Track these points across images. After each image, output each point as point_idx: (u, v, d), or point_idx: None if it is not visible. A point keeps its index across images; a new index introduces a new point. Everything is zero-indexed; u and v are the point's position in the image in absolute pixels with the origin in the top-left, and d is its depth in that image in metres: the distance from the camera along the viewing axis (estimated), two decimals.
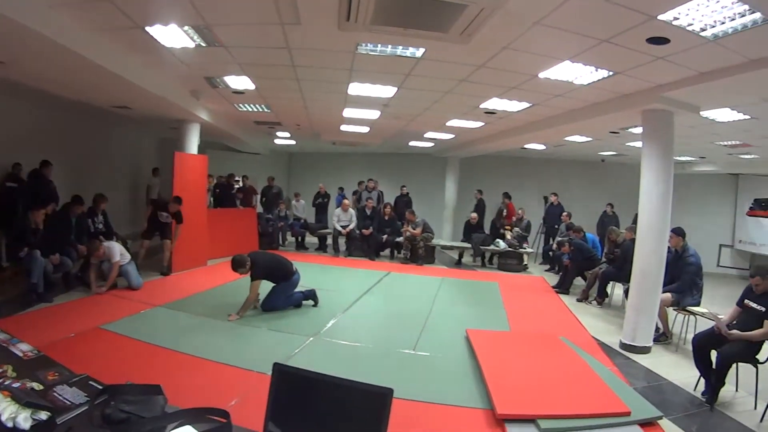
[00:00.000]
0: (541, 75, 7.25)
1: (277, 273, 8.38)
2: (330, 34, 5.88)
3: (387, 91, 8.85)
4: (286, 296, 8.46)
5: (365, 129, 13.47)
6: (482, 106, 9.73)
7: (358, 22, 5.30)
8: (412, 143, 16.78)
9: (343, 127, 13.25)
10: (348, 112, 11.01)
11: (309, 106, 10.57)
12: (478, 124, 11.90)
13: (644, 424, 5.14)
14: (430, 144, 16.86)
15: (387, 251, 15.11)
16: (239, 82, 8.64)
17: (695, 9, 4.57)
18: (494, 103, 9.45)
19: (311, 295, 8.80)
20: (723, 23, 4.82)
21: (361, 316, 8.47)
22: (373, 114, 11.09)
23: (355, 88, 8.71)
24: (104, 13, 5.64)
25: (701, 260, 8.60)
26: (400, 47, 6.49)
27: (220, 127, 12.83)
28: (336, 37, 5.96)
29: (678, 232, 8.36)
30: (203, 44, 6.61)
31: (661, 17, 4.81)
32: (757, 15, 4.53)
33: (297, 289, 8.68)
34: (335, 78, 8.14)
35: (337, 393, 2.25)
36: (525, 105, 9.41)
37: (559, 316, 9.78)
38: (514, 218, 15.71)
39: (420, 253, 14.26)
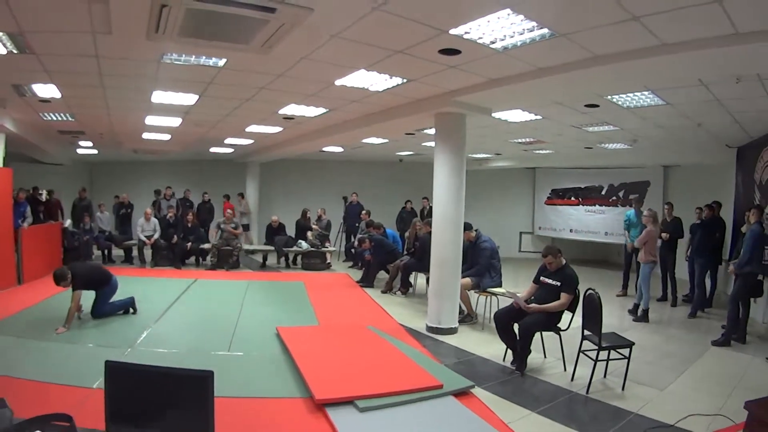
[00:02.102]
0: (338, 83, 7.61)
1: (96, 280, 8.28)
2: (138, 44, 5.86)
3: (189, 99, 8.86)
4: (110, 302, 8.43)
5: (167, 136, 13.25)
6: (281, 112, 9.99)
7: (166, 33, 5.35)
8: (213, 149, 16.70)
9: (145, 135, 12.95)
10: (150, 120, 10.85)
11: (112, 114, 10.31)
12: (277, 129, 12.16)
13: (458, 394, 5.72)
14: (230, 150, 16.88)
15: (192, 259, 14.91)
16: (46, 90, 8.31)
17: (485, 24, 5.08)
18: (292, 109, 9.75)
19: (130, 302, 8.79)
20: (512, 37, 5.40)
21: (174, 323, 8.44)
22: (175, 121, 11.01)
23: (158, 96, 8.64)
24: None
25: (496, 245, 9.54)
26: (203, 57, 6.58)
27: (25, 137, 12.03)
28: (143, 46, 5.93)
29: (466, 227, 9.11)
30: (15, 51, 6.31)
31: (452, 32, 5.31)
32: (545, 30, 5.16)
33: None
34: (139, 86, 8.06)
35: (163, 381, 2.51)
36: (322, 110, 9.77)
37: (366, 308, 10.33)
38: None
39: (232, 259, 14.34)
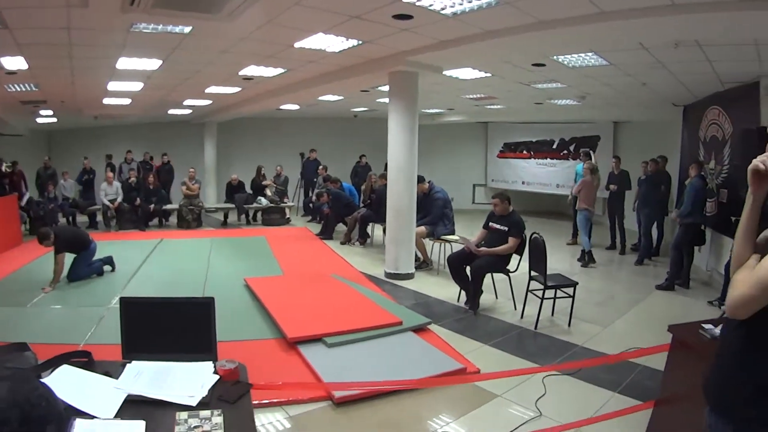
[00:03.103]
0: (297, 45, 7.83)
1: (77, 244, 8.51)
2: (111, 16, 5.97)
3: (153, 64, 8.95)
4: (87, 265, 8.66)
5: (127, 101, 13.27)
6: (241, 73, 10.15)
7: (141, 6, 5.53)
8: (171, 111, 16.66)
9: (106, 101, 12.94)
10: (112, 86, 10.90)
11: (76, 82, 10.30)
12: (236, 89, 12.30)
13: (416, 330, 6.33)
14: (188, 111, 16.89)
15: (156, 220, 15.11)
16: (14, 62, 8.29)
17: None
18: (252, 71, 9.92)
19: (109, 260, 9.10)
20: (461, 4, 5.77)
21: (147, 281, 8.72)
22: (137, 86, 11.06)
23: (123, 63, 8.72)
24: None
25: (450, 196, 10.15)
26: (171, 26, 6.69)
27: None
28: (115, 17, 6.05)
29: (420, 180, 9.64)
30: None
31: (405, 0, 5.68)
32: None
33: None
34: (106, 54, 8.13)
35: (172, 310, 2.92)
36: (281, 71, 9.95)
37: (327, 259, 10.82)
38: None
39: (189, 218, 14.58)
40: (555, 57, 8.30)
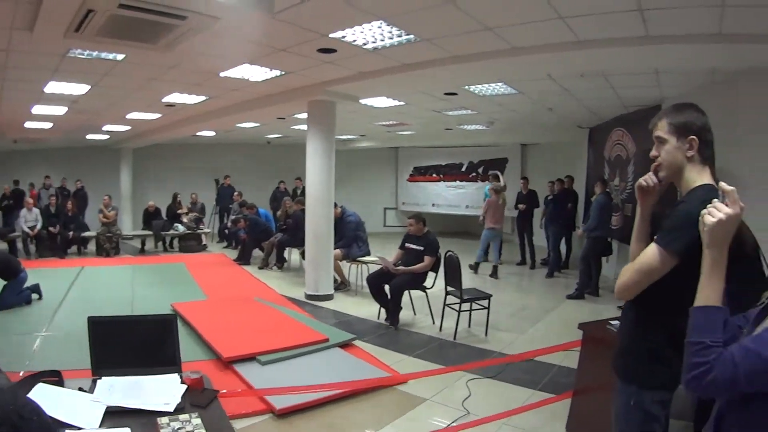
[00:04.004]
0: (222, 74, 8.12)
1: (10, 270, 8.42)
2: (53, 40, 6.01)
3: (81, 89, 8.95)
4: (17, 293, 8.53)
5: (49, 125, 13.07)
6: (164, 100, 10.28)
7: (85, 33, 5.63)
8: (89, 136, 16.41)
9: (28, 124, 12.76)
10: (37, 109, 10.79)
11: (3, 105, 10.22)
12: (156, 115, 12.35)
13: (342, 346, 6.69)
14: (106, 137, 16.67)
15: (74, 248, 14.74)
16: None
17: (360, 31, 5.92)
18: (175, 97, 10.07)
19: (36, 288, 8.95)
20: (383, 41, 6.23)
21: (76, 308, 8.53)
22: (61, 110, 10.96)
23: (52, 87, 8.70)
24: None
25: (363, 219, 10.59)
26: (105, 52, 6.81)
27: None
28: (56, 42, 6.10)
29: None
30: None
31: (331, 35, 6.09)
32: (411, 36, 6.04)
33: None
34: (38, 77, 8.11)
35: (137, 327, 3.22)
36: (203, 98, 10.15)
37: (248, 283, 11.05)
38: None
39: (107, 246, 14.30)
40: (467, 87, 8.84)
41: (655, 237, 2.24)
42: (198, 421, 2.57)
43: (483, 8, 5.12)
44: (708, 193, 2.02)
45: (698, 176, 2.23)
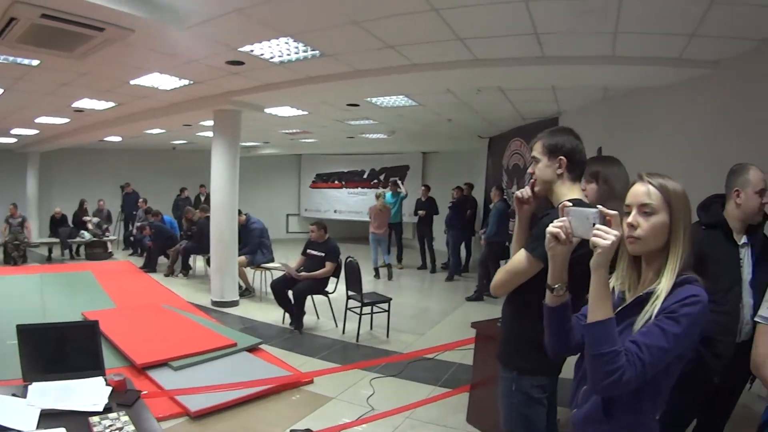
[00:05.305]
0: (132, 82, 8.18)
1: None
2: None
3: None
4: None
5: None
6: (74, 105, 10.15)
7: (6, 40, 5.64)
8: None
9: None
10: None
11: None
12: (65, 120, 12.14)
13: (250, 350, 6.90)
14: (13, 140, 16.15)
15: None
16: None
17: (268, 47, 6.19)
18: (85, 103, 9.96)
19: None
20: (289, 55, 6.50)
21: None
22: None
23: None
24: None
25: (266, 225, 10.77)
26: (20, 58, 6.79)
27: None
28: None
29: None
30: None
31: (240, 49, 6.31)
32: (317, 51, 6.32)
33: None
34: None
35: (62, 333, 3.36)
36: (112, 104, 10.09)
37: (154, 290, 11.01)
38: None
39: (15, 254, 13.88)
40: (369, 99, 9.20)
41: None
42: (126, 418, 2.79)
43: (385, 28, 5.45)
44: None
45: (568, 191, 2.59)
